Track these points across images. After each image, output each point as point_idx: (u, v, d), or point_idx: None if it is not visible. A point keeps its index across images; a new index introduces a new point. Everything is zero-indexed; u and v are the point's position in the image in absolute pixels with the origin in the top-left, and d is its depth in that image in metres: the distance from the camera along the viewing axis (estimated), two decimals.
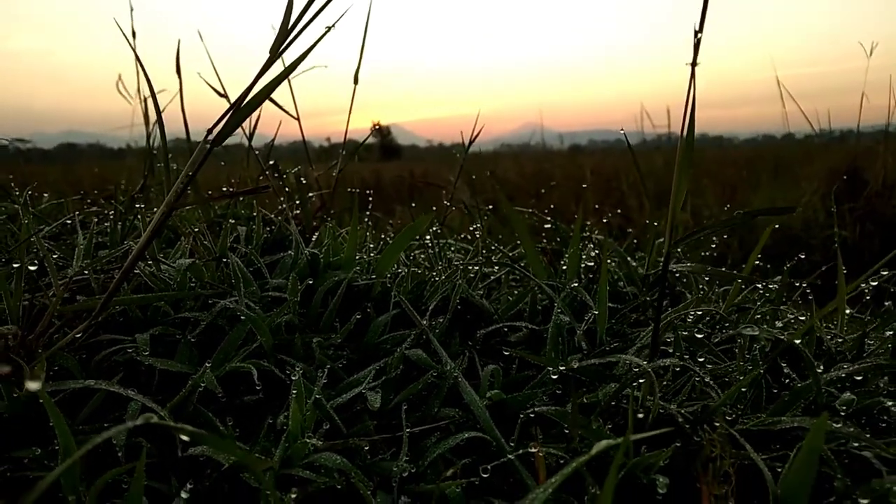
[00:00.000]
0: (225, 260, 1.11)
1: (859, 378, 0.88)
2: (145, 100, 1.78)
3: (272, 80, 0.85)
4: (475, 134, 1.82)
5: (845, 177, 4.42)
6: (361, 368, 0.92)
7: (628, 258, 1.29)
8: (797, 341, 0.83)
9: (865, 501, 0.61)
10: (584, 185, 5.69)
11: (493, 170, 8.27)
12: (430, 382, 0.85)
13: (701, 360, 0.93)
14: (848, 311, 1.32)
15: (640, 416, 0.76)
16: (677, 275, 1.25)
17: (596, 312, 1.00)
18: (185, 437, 0.62)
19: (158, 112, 1.00)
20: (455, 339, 0.98)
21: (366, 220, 1.48)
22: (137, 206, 1.35)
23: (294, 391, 0.74)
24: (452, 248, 1.52)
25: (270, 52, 0.90)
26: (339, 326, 1.02)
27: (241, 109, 0.86)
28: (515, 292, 1.17)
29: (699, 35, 0.69)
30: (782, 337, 0.84)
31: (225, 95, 1.72)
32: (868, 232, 4.21)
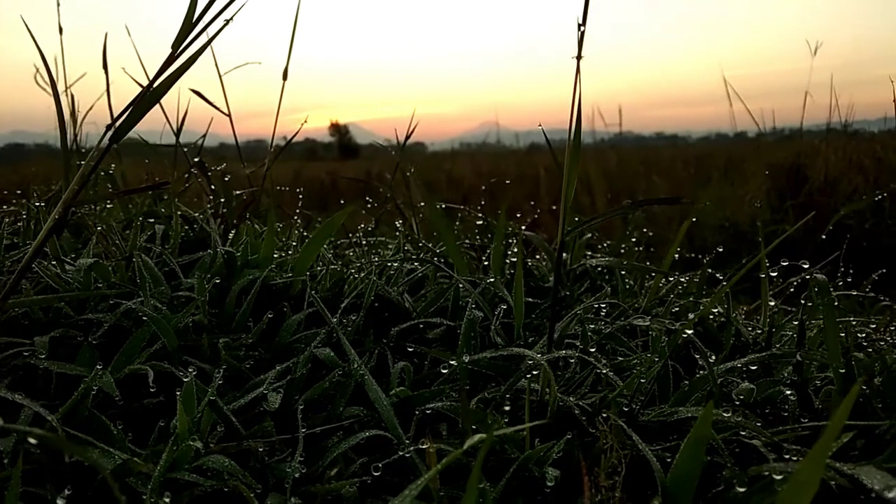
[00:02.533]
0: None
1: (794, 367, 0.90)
2: (62, 95, 1.73)
3: (169, 75, 0.83)
4: (411, 130, 1.81)
5: (790, 173, 4.53)
6: (273, 368, 0.90)
7: (551, 251, 1.29)
8: (689, 331, 0.83)
9: (742, 489, 0.61)
10: (538, 183, 5.72)
11: (449, 169, 8.27)
12: (337, 381, 0.84)
13: (612, 352, 0.93)
14: (773, 304, 1.35)
15: (549, 408, 0.76)
16: (599, 269, 1.26)
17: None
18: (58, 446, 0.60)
19: (59, 108, 0.97)
20: (369, 336, 0.97)
21: (294, 218, 1.45)
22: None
23: (179, 393, 0.72)
24: (390, 246, 1.51)
25: (172, 47, 0.88)
26: (252, 326, 1.00)
27: (139, 105, 0.83)
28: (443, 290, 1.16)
29: (583, 28, 0.69)
30: (674, 327, 0.85)
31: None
32: (810, 227, 4.32)
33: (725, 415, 0.71)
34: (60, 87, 2.08)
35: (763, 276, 1.45)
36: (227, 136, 1.89)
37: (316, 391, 0.83)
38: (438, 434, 0.78)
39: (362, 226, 1.42)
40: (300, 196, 1.57)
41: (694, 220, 5.37)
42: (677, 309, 1.14)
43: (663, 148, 10.04)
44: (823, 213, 4.34)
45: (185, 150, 1.68)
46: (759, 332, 1.17)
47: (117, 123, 0.86)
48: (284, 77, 1.56)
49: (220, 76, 1.77)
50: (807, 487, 0.51)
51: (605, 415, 0.68)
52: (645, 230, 3.20)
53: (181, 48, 0.87)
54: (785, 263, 1.20)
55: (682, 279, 1.30)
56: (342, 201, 2.05)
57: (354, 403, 0.83)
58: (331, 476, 0.71)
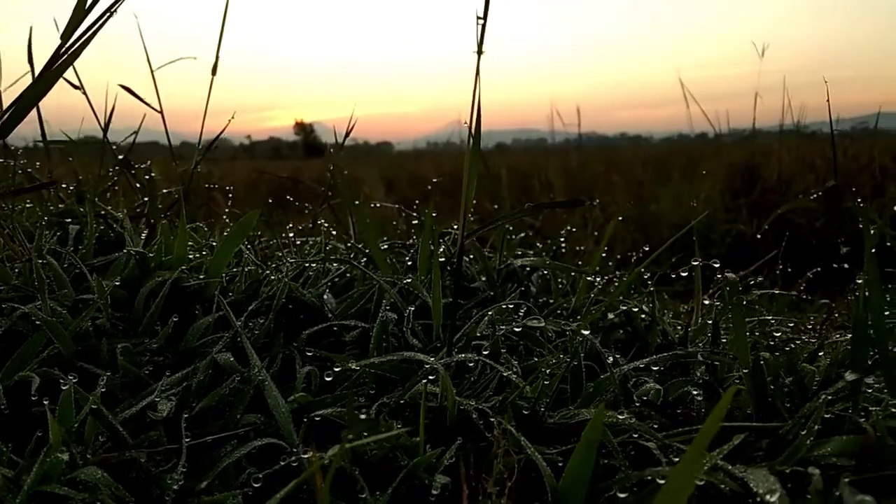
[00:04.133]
0: (42, 262, 1.03)
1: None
2: None
3: (55, 68, 0.79)
4: (350, 127, 1.78)
5: (744, 173, 4.60)
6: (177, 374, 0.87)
7: (486, 253, 1.27)
8: (586, 332, 0.82)
9: (623, 495, 0.60)
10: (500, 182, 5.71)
11: (412, 168, 8.24)
12: (236, 388, 0.80)
13: (527, 352, 0.92)
14: (707, 302, 1.35)
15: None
16: (527, 269, 1.24)
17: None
18: None
19: None
20: (279, 340, 0.94)
21: (224, 218, 1.41)
22: None
23: (47, 402, 0.68)
24: (328, 247, 1.48)
25: (62, 38, 0.84)
26: (161, 330, 0.96)
27: (22, 99, 0.80)
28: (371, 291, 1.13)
29: (483, 21, 0.67)
30: (572, 327, 0.84)
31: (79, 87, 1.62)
32: (763, 226, 4.38)
33: (620, 416, 0.69)
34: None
35: (695, 274, 1.46)
36: (191, 134, 1.82)
37: (213, 398, 0.79)
38: (336, 440, 0.76)
39: (290, 226, 1.39)
40: (230, 195, 1.53)
41: (652, 219, 5.36)
42: (603, 308, 1.13)
43: (626, 148, 10.14)
44: (776, 210, 4.41)
45: (115, 146, 1.63)
46: (689, 331, 1.16)
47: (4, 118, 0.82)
48: (213, 72, 1.52)
49: (151, 71, 1.72)
50: (680, 492, 0.49)
51: (494, 419, 0.66)
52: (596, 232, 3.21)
53: (71, 39, 0.83)
54: (697, 263, 1.20)
55: (617, 278, 1.29)
56: (297, 202, 2.01)
57: (255, 410, 0.80)
58: (215, 487, 0.68)
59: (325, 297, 1.12)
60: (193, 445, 0.74)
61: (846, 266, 1.57)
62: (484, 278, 1.25)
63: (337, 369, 0.77)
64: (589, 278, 1.28)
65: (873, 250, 0.82)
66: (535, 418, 0.75)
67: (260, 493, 0.69)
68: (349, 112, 1.72)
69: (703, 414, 0.78)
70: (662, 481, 0.58)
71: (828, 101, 1.70)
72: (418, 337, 0.99)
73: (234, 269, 1.11)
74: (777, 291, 1.40)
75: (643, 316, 1.15)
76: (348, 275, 1.22)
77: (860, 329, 0.73)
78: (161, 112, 1.72)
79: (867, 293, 0.79)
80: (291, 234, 1.41)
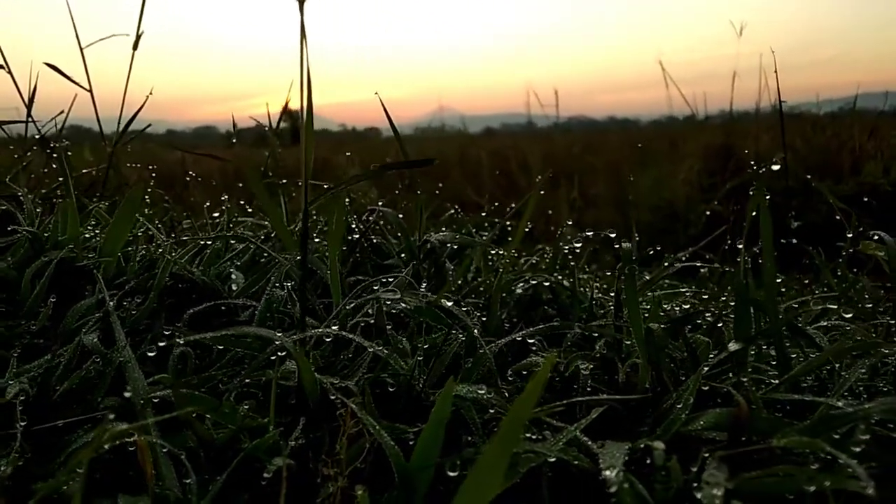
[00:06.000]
0: None
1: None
2: None
3: None
4: (282, 113, 1.74)
5: (720, 153, 4.55)
6: None
7: (405, 227, 1.24)
8: (448, 303, 0.78)
9: (453, 474, 0.56)
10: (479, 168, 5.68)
11: (396, 155, 8.17)
12: (99, 370, 0.77)
13: (427, 329, 0.88)
14: (648, 277, 1.32)
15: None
16: (448, 246, 1.20)
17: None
18: None
19: None
20: (161, 319, 0.90)
21: (145, 199, 1.37)
22: None
23: None
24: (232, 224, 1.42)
25: None
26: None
27: None
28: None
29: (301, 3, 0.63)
30: (423, 303, 0.80)
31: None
32: (742, 206, 4.34)
33: (480, 392, 0.65)
34: None
35: (627, 246, 1.42)
36: (175, 122, 1.77)
37: (74, 381, 0.75)
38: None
39: (208, 205, 1.35)
40: (153, 175, 1.48)
41: (631, 199, 5.31)
42: (524, 286, 1.10)
43: (614, 131, 10.10)
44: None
45: (42, 128, 1.58)
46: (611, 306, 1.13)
47: None
48: (134, 47, 1.47)
49: (80, 49, 1.67)
50: (493, 470, 0.46)
51: (336, 397, 0.62)
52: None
53: None
54: (586, 233, 1.16)
55: (534, 258, 1.25)
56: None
57: (120, 393, 0.76)
58: (58, 471, 0.64)
59: (233, 275, 1.09)
60: (51, 430, 0.70)
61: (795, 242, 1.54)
62: (405, 255, 1.22)
63: (180, 341, 0.73)
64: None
65: (769, 220, 0.79)
66: (409, 396, 0.72)
67: (107, 477, 0.66)
68: (338, 98, 1.67)
69: (587, 387, 0.74)
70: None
71: (777, 79, 1.66)
72: (317, 314, 0.95)
73: (129, 249, 1.07)
74: (700, 265, 1.36)
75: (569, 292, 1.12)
76: (265, 256, 1.18)
77: (742, 298, 0.69)
78: (91, 91, 1.68)
79: (762, 262, 0.75)
80: (216, 215, 1.36)
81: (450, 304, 0.80)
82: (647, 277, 1.15)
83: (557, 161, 6.18)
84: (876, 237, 0.93)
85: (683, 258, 1.55)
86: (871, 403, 0.56)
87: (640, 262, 1.34)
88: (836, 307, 1.23)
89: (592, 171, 5.78)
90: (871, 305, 1.22)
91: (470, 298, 1.13)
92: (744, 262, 0.70)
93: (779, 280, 1.91)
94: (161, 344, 0.75)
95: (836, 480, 0.47)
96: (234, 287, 1.04)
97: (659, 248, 1.71)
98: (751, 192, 0.81)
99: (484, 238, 1.44)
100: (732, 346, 0.68)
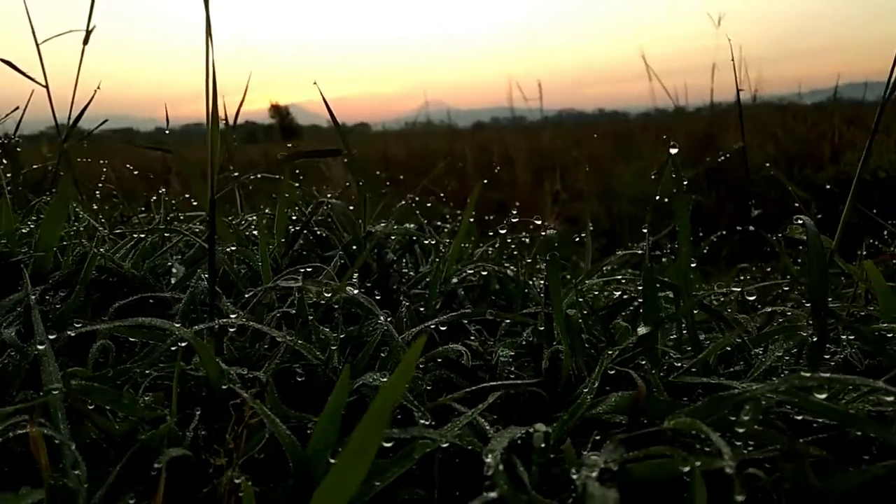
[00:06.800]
0: None
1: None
2: None
3: None
4: (238, 109, 1.73)
5: (701, 142, 4.56)
6: None
7: (355, 220, 1.23)
8: (354, 291, 0.78)
9: (333, 461, 0.56)
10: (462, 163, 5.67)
11: (384, 150, 8.17)
12: (17, 364, 0.76)
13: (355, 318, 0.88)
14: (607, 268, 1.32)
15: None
16: (391, 238, 1.20)
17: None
18: None
19: None
20: (87, 314, 0.90)
21: (96, 194, 1.36)
22: None
23: None
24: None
25: None
26: None
27: None
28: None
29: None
30: (327, 292, 0.79)
31: None
32: (722, 196, 4.35)
33: (384, 380, 0.65)
34: None
35: (551, 233, 1.43)
36: (165, 119, 1.75)
37: None
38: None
39: (154, 198, 1.34)
40: (104, 169, 1.47)
41: (613, 191, 5.31)
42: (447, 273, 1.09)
43: (602, 124, 10.10)
44: (734, 180, 4.38)
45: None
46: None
47: None
48: (85, 42, 1.46)
49: (37, 44, 1.66)
50: (359, 456, 0.45)
51: (235, 388, 0.62)
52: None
53: None
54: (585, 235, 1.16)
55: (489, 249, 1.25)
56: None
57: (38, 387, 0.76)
58: None
59: (174, 269, 1.08)
60: None
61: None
62: (355, 247, 1.21)
63: (78, 326, 0.72)
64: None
65: (689, 206, 0.79)
66: (325, 387, 0.71)
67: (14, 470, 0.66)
68: (329, 94, 1.67)
69: (506, 374, 0.74)
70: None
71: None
72: (247, 306, 0.94)
73: (65, 244, 1.06)
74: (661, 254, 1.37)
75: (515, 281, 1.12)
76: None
77: (649, 281, 0.69)
78: (46, 87, 1.66)
79: (678, 247, 0.75)
80: (162, 210, 1.36)
81: (355, 291, 0.80)
82: (590, 267, 1.14)
83: (543, 154, 6.19)
84: (800, 221, 0.93)
85: (640, 251, 1.55)
86: (761, 384, 0.56)
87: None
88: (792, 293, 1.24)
89: (577, 165, 5.78)
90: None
91: (416, 289, 1.13)
92: (648, 245, 0.70)
93: (742, 267, 1.92)
94: (70, 334, 0.74)
95: (706, 462, 0.47)
96: (172, 280, 1.04)
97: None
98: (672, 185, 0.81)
99: (446, 230, 1.45)
100: (641, 330, 0.68)
